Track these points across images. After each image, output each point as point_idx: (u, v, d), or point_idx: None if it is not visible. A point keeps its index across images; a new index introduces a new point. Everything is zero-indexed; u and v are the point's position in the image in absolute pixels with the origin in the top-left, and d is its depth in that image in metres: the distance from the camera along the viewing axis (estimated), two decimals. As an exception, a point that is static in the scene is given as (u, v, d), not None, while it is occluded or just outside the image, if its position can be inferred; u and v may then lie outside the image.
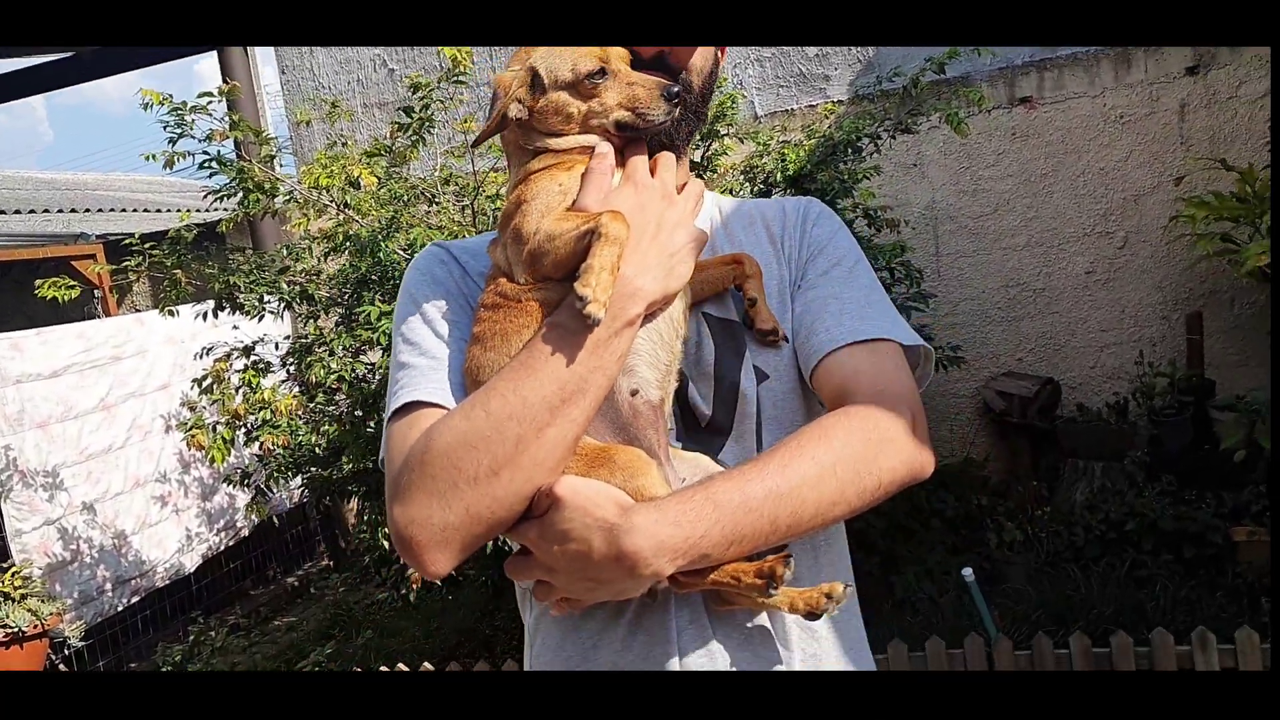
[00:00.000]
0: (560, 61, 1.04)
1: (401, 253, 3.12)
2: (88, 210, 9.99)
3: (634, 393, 1.00)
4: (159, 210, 10.89)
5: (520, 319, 1.00)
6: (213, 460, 2.96)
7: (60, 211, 9.69)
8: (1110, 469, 4.54)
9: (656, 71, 1.06)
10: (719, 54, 1.17)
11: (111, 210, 10.31)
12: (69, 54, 6.14)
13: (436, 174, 3.63)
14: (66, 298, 3.29)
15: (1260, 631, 2.50)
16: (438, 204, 3.60)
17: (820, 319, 1.07)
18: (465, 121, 3.99)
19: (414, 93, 3.03)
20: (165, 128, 2.92)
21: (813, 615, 1.00)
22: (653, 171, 1.04)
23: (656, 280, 0.98)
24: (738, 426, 1.06)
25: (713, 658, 1.02)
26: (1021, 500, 4.62)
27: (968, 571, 2.87)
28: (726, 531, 0.90)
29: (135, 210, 10.65)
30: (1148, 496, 4.22)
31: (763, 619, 1.04)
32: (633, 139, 1.05)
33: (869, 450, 0.95)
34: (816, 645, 1.07)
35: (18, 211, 9.30)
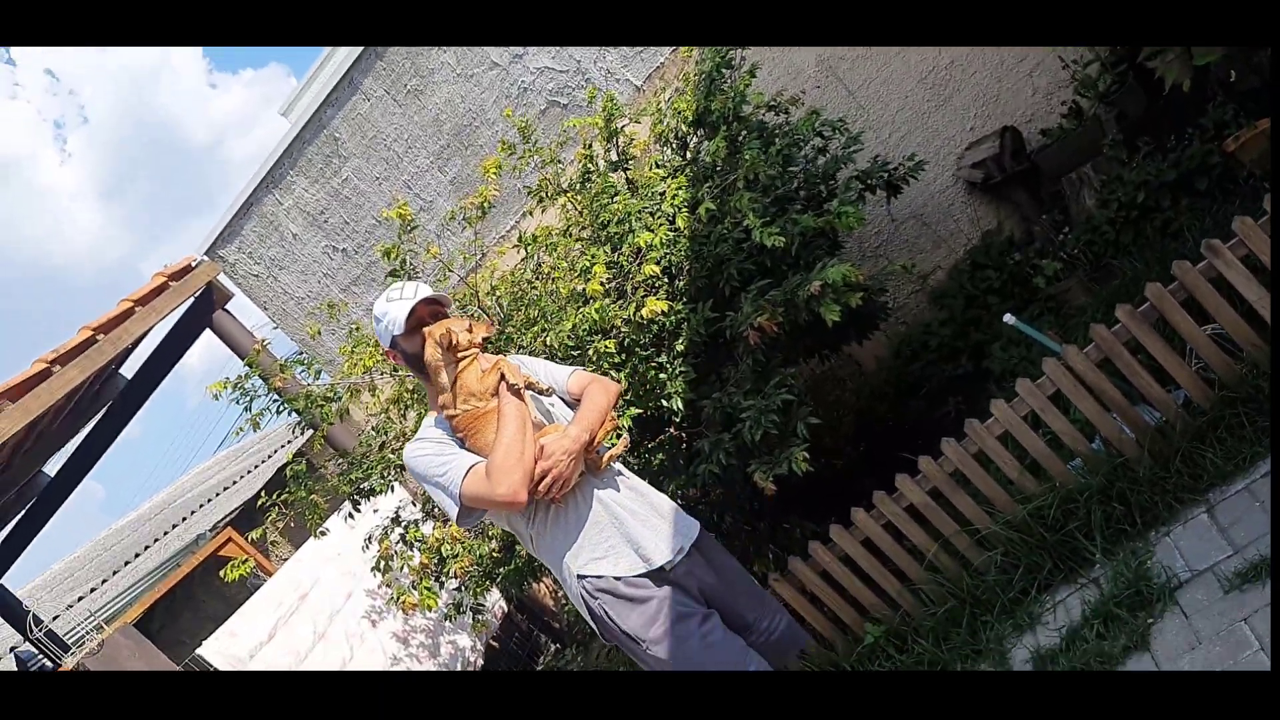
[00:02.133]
0: (458, 326, 2.34)
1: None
2: (184, 519, 10.79)
3: (535, 418, 2.39)
4: (233, 482, 11.69)
5: (487, 416, 2.31)
6: (429, 608, 3.50)
7: (165, 534, 10.50)
8: (1098, 164, 4.86)
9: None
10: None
11: (200, 507, 11.11)
12: (98, 417, 6.81)
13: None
14: (248, 571, 3.87)
15: (1252, 214, 2.87)
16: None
17: (556, 376, 2.54)
18: (430, 250, 4.50)
19: (387, 259, 3.57)
20: (238, 402, 3.53)
21: (625, 453, 2.61)
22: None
23: (519, 378, 2.35)
24: (558, 422, 2.47)
25: (603, 482, 2.43)
26: (1045, 235, 4.97)
27: (1008, 317, 3.26)
28: (593, 420, 2.35)
29: (217, 496, 11.44)
30: (1139, 165, 4.54)
31: (613, 467, 2.50)
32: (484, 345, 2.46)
33: (606, 388, 2.46)
34: (632, 473, 2.57)
35: (137, 555, 10.13)
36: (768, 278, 3.41)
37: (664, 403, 3.30)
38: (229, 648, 4.53)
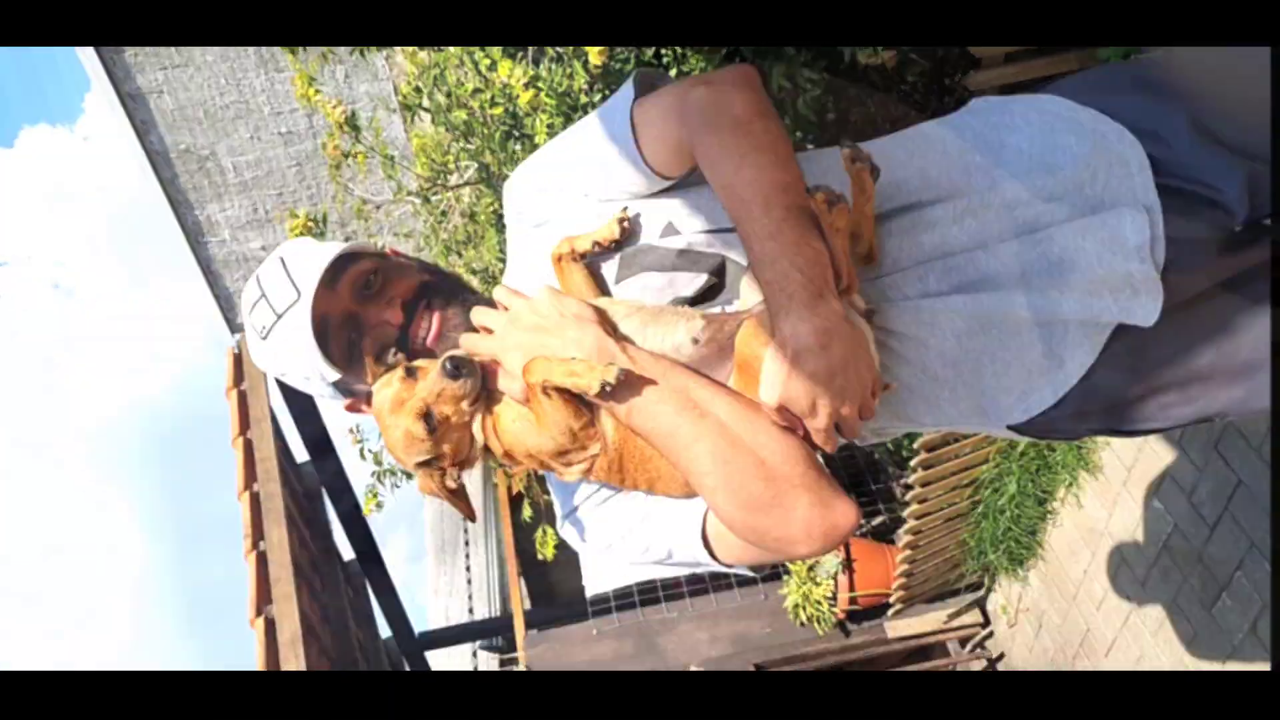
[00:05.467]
0: (403, 410, 1.25)
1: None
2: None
3: (692, 341, 1.16)
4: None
5: (631, 457, 1.21)
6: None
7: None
8: None
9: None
10: None
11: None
12: (329, 506, 6.84)
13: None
14: (557, 540, 3.73)
15: None
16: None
17: (621, 170, 1.24)
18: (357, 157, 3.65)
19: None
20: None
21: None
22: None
23: (600, 370, 1.11)
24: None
25: (912, 291, 1.21)
26: None
27: None
28: (808, 246, 1.07)
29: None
30: None
31: (912, 243, 1.22)
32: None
33: (735, 140, 1.13)
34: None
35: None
36: None
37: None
38: (604, 564, 4.57)
